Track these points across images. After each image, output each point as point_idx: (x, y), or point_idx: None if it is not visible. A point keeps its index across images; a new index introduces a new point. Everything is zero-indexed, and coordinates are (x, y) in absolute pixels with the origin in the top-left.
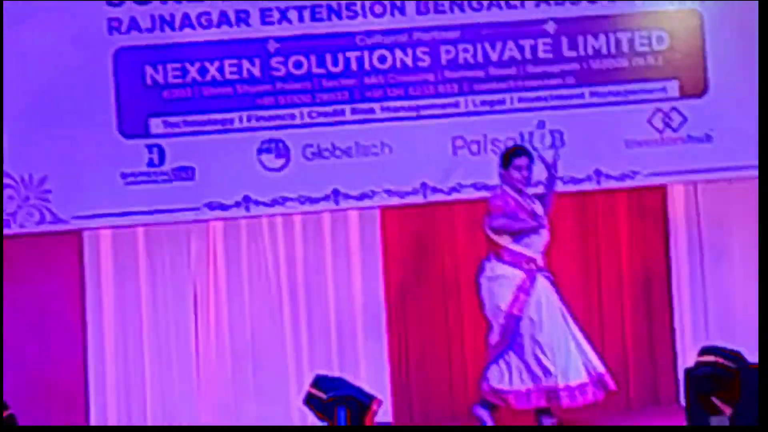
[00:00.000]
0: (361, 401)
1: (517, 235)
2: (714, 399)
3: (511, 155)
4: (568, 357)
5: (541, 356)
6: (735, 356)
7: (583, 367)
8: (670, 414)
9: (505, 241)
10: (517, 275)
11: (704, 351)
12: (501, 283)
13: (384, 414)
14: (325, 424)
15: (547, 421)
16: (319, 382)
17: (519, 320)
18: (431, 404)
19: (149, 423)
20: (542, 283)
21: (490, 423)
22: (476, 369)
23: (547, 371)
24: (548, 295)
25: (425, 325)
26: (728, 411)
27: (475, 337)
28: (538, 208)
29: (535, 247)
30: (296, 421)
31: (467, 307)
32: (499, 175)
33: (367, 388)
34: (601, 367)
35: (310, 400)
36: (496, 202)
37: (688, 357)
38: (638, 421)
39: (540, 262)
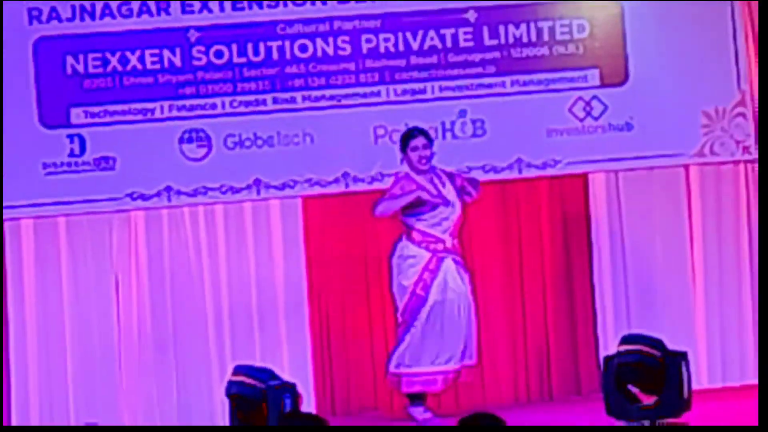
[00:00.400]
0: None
1: (420, 216)
2: (631, 387)
3: (407, 138)
4: (458, 342)
5: (436, 339)
6: (657, 343)
7: (460, 355)
8: (592, 403)
9: (411, 221)
10: (425, 256)
11: (626, 339)
12: (408, 263)
13: (306, 404)
14: (237, 417)
15: (414, 411)
16: (250, 371)
17: (422, 300)
18: (353, 394)
19: (72, 415)
20: (448, 266)
21: (425, 416)
22: None
23: (440, 353)
24: (454, 278)
25: (348, 314)
26: (648, 399)
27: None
28: (447, 190)
29: (442, 228)
30: (219, 412)
31: (390, 296)
32: (401, 161)
33: (289, 377)
34: (472, 359)
35: (239, 388)
36: (390, 189)
37: (609, 346)
38: (561, 411)
39: (449, 244)
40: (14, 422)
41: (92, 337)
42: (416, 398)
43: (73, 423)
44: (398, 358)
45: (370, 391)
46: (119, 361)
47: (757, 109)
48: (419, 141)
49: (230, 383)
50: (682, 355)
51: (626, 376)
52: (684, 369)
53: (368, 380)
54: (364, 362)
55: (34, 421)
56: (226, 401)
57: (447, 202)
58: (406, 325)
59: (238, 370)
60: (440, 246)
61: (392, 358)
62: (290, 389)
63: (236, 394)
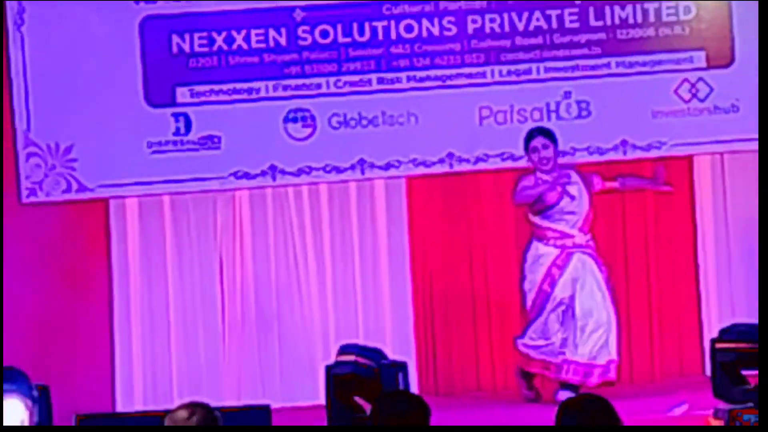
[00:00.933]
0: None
1: (546, 213)
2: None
3: (527, 138)
4: (589, 338)
5: (562, 334)
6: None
7: (599, 351)
8: (695, 385)
9: (537, 221)
10: (553, 253)
11: (343, 350)
12: (539, 261)
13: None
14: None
15: (563, 395)
16: (360, 350)
17: (548, 296)
18: (456, 376)
19: (175, 394)
20: (578, 261)
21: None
22: (502, 339)
23: (563, 346)
24: (584, 273)
25: (451, 294)
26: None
27: (502, 307)
28: (574, 188)
29: (568, 223)
30: (323, 391)
31: (493, 277)
32: (526, 159)
33: (392, 355)
34: (614, 355)
35: (349, 368)
36: (521, 182)
37: (713, 329)
38: (664, 393)
39: (579, 239)
40: (119, 404)
41: (196, 316)
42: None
43: (176, 403)
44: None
45: (472, 372)
46: (223, 340)
47: None
48: (538, 141)
49: (338, 362)
50: None
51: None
52: None
53: (471, 361)
54: (467, 343)
55: (138, 403)
56: (330, 380)
57: (572, 197)
58: (534, 319)
59: (346, 349)
60: (569, 242)
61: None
62: (402, 367)
63: (347, 374)
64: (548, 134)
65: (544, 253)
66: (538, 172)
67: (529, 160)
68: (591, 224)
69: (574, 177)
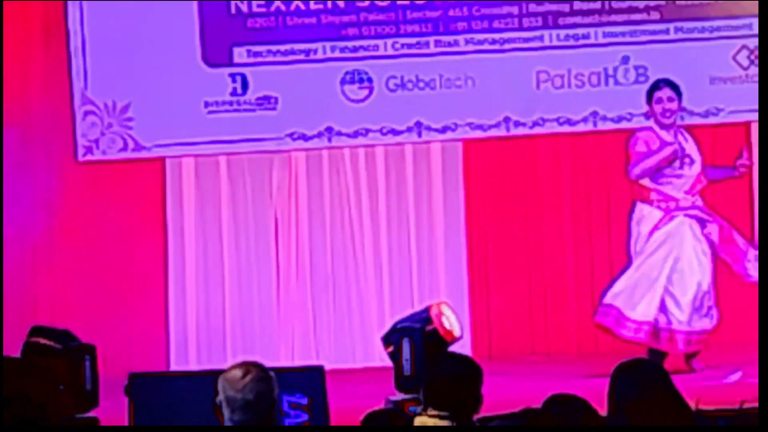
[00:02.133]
0: (415, 327)
1: (656, 175)
2: None
3: (653, 89)
4: (678, 302)
5: (656, 298)
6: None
7: (677, 317)
8: None
9: (645, 182)
10: (657, 216)
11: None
12: (641, 223)
13: (463, 347)
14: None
15: (697, 366)
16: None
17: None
18: (510, 338)
19: (228, 353)
20: (680, 225)
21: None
22: (556, 304)
23: (658, 311)
24: (683, 237)
25: (506, 259)
26: None
27: (557, 271)
28: (690, 146)
29: (674, 186)
30: (377, 354)
31: (549, 241)
32: (645, 115)
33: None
34: (684, 325)
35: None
36: (634, 149)
37: None
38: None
39: (685, 202)
40: (172, 363)
41: (251, 276)
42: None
43: (230, 363)
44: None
45: (527, 336)
46: (278, 300)
47: None
48: (664, 93)
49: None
50: None
51: None
52: None
53: (526, 325)
54: (521, 307)
55: (192, 362)
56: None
57: (692, 160)
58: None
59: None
60: (673, 204)
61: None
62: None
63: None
64: (675, 87)
65: (646, 215)
66: (655, 126)
67: (649, 112)
68: (699, 188)
69: (687, 135)
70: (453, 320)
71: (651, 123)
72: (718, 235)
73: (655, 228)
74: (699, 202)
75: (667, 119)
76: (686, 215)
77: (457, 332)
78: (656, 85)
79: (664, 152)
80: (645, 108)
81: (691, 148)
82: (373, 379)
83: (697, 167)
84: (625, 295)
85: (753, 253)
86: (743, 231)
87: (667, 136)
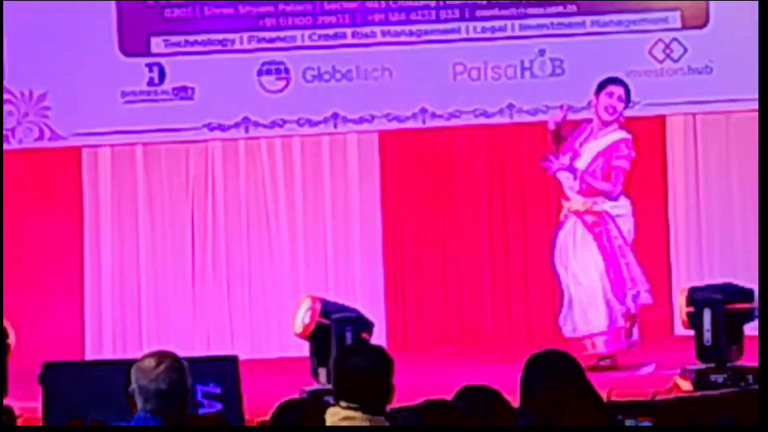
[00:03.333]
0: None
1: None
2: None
3: (608, 81)
4: (570, 308)
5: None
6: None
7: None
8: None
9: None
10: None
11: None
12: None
13: (378, 338)
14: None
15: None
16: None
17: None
18: (425, 329)
19: (144, 343)
20: (569, 229)
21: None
22: (471, 295)
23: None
24: (573, 241)
25: (422, 249)
26: None
27: (472, 262)
28: (594, 146)
29: (571, 186)
30: (293, 346)
31: (464, 233)
32: (587, 104)
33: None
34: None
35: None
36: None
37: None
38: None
39: (577, 205)
40: (88, 352)
41: (167, 266)
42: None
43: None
44: None
45: (442, 327)
46: (193, 291)
47: None
48: (617, 89)
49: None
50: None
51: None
52: None
53: (441, 315)
54: (437, 297)
55: (108, 352)
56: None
57: (576, 159)
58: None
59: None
60: (566, 210)
61: None
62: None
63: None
64: (628, 92)
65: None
66: (595, 118)
67: (592, 103)
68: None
69: (596, 136)
70: (299, 316)
71: (591, 114)
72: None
73: (558, 230)
74: (598, 208)
75: (610, 115)
76: (576, 219)
77: (296, 328)
78: (612, 80)
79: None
80: (558, 101)
81: (592, 147)
82: (288, 370)
83: (581, 166)
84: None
85: (635, 291)
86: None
87: (588, 130)
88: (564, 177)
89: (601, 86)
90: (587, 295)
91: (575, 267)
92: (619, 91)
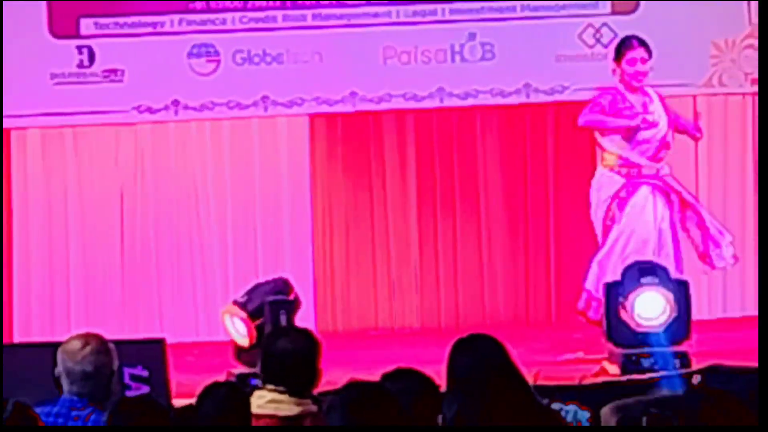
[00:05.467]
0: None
1: (614, 138)
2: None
3: (624, 47)
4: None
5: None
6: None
7: None
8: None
9: (605, 143)
10: (618, 182)
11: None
12: (600, 190)
13: (307, 319)
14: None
15: None
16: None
17: (610, 230)
18: (354, 313)
19: (72, 326)
20: (644, 193)
21: None
22: (400, 280)
23: None
24: (647, 206)
25: (351, 233)
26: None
27: (401, 248)
28: (655, 109)
29: (637, 151)
30: (221, 329)
31: (393, 215)
32: (612, 71)
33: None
34: None
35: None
36: (596, 98)
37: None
38: (559, 332)
39: (648, 170)
40: (16, 336)
41: (96, 249)
42: None
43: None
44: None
45: (371, 311)
46: (122, 273)
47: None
48: (638, 53)
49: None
50: (685, 285)
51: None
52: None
53: (370, 300)
54: (365, 282)
55: (36, 334)
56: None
57: (649, 125)
58: (598, 253)
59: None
60: (634, 171)
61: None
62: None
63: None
64: (647, 46)
65: (607, 181)
66: (621, 87)
67: (617, 72)
68: (664, 155)
69: (655, 97)
70: (233, 333)
71: (616, 83)
72: (681, 212)
73: (616, 196)
74: (665, 171)
75: (638, 82)
76: (649, 184)
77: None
78: (628, 44)
79: (621, 122)
80: (488, 85)
81: (656, 110)
82: (216, 353)
83: (662, 131)
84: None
85: (727, 239)
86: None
87: (635, 99)
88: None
89: (619, 53)
90: None
91: None
92: (639, 54)
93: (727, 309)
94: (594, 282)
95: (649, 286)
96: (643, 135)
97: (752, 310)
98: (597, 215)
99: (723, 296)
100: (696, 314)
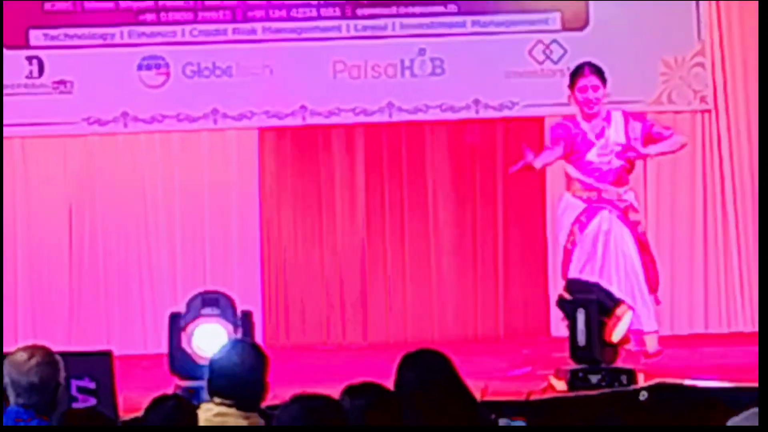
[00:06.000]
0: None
1: (581, 163)
2: None
3: (576, 74)
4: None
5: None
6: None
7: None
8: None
9: (568, 169)
10: (579, 206)
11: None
12: (564, 213)
13: (256, 338)
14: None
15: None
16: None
17: (570, 255)
18: (306, 328)
19: (20, 339)
20: (604, 218)
21: None
22: (349, 295)
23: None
24: (607, 230)
25: (300, 247)
26: None
27: (349, 263)
28: (610, 137)
29: (596, 176)
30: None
31: (342, 231)
32: (567, 98)
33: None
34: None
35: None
36: (553, 128)
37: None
38: (506, 351)
39: (608, 194)
40: None
41: (44, 260)
42: None
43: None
44: None
45: (320, 326)
46: (70, 285)
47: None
48: (589, 81)
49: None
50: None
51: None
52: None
53: (318, 314)
54: (315, 295)
55: None
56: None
57: (590, 146)
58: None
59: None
60: (594, 195)
61: None
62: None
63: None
64: (600, 72)
65: (568, 205)
66: (578, 116)
67: (571, 99)
68: (626, 179)
69: (616, 124)
70: None
71: (575, 111)
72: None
73: (577, 220)
74: (628, 197)
75: (590, 110)
76: (608, 209)
77: None
78: (580, 71)
79: (554, 153)
80: (438, 101)
81: (612, 135)
82: (163, 365)
83: (610, 156)
84: None
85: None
86: None
87: (588, 127)
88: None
89: (572, 81)
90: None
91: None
92: (591, 81)
93: (674, 327)
94: None
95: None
96: (599, 160)
97: (700, 328)
98: (561, 239)
99: (670, 314)
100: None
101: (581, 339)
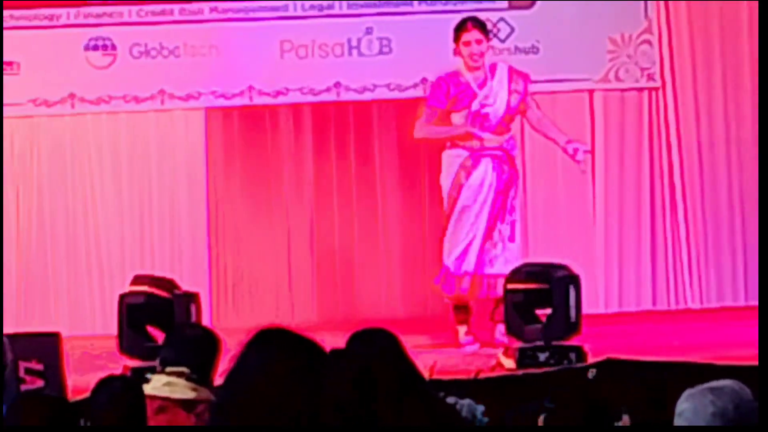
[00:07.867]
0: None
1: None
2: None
3: (460, 29)
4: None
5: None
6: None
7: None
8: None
9: (454, 119)
10: (462, 155)
11: (136, 280)
12: (448, 162)
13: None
14: None
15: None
16: (153, 280)
17: (453, 202)
18: (256, 310)
19: None
20: (485, 166)
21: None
22: (298, 274)
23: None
24: (485, 179)
25: (248, 226)
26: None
27: (297, 242)
28: (494, 84)
29: (479, 125)
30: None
31: (291, 213)
32: (452, 52)
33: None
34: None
35: (143, 298)
36: (427, 102)
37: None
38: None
39: (490, 142)
40: None
41: None
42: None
43: None
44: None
45: (269, 306)
46: (17, 266)
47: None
48: (472, 35)
49: (131, 292)
50: (572, 279)
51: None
52: (572, 292)
53: (267, 295)
54: (264, 275)
55: None
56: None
57: (494, 101)
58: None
59: (139, 279)
60: (476, 144)
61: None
62: (194, 298)
63: (140, 303)
64: (483, 26)
65: (453, 153)
66: (463, 68)
67: (456, 52)
68: (507, 127)
69: (500, 77)
70: None
71: (459, 64)
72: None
73: (462, 166)
74: (502, 143)
75: (474, 62)
76: (490, 156)
77: None
78: (463, 26)
79: (454, 130)
80: (385, 80)
81: (495, 86)
82: (112, 347)
83: (500, 107)
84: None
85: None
86: None
87: (473, 80)
88: None
89: (456, 36)
90: None
91: None
92: (474, 36)
93: (622, 304)
94: (447, 258)
95: None
96: (483, 111)
97: (647, 304)
98: (446, 192)
99: (618, 291)
100: (591, 309)
101: (573, 315)
